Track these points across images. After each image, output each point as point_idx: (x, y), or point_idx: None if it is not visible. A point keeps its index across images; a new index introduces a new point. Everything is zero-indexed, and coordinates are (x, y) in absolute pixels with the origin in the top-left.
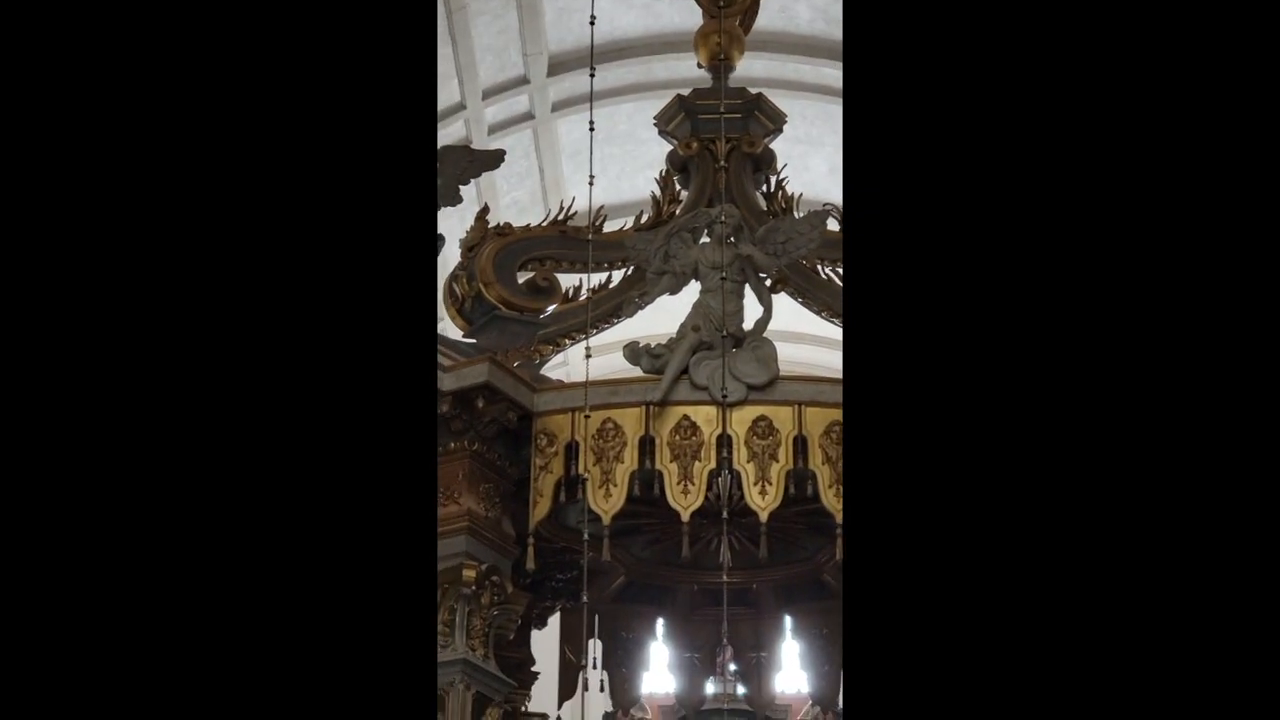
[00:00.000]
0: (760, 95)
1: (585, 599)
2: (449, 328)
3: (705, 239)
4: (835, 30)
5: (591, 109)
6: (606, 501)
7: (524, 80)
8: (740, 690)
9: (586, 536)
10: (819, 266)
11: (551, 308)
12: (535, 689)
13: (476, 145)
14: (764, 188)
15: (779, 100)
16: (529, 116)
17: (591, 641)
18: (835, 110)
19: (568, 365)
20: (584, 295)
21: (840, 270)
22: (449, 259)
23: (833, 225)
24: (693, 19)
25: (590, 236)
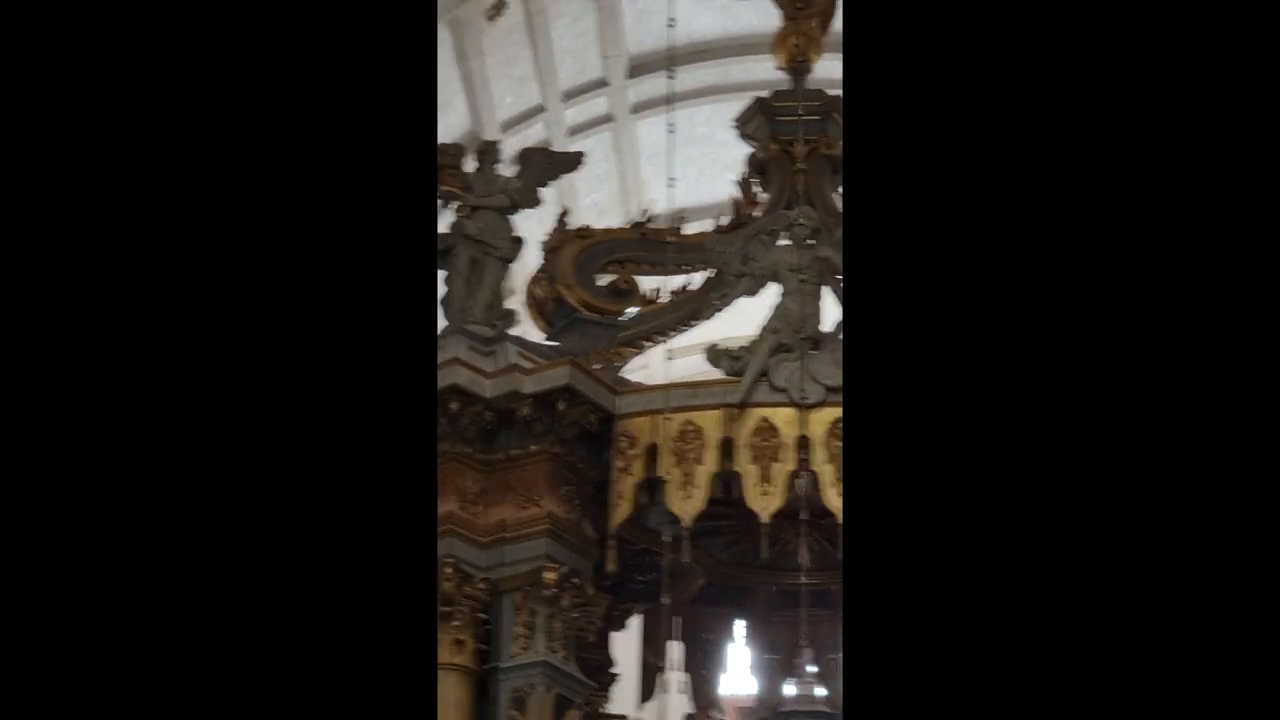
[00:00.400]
0: (839, 97)
1: (665, 601)
2: (530, 330)
3: (784, 241)
4: None
5: (670, 111)
6: (687, 503)
7: (603, 83)
8: (820, 692)
9: (666, 538)
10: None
11: (632, 310)
12: (615, 691)
13: (556, 147)
14: (843, 189)
15: None
16: (608, 119)
17: (671, 643)
18: None
19: (648, 368)
20: (664, 298)
21: None
22: (528, 262)
23: None
24: (771, 21)
25: (670, 239)
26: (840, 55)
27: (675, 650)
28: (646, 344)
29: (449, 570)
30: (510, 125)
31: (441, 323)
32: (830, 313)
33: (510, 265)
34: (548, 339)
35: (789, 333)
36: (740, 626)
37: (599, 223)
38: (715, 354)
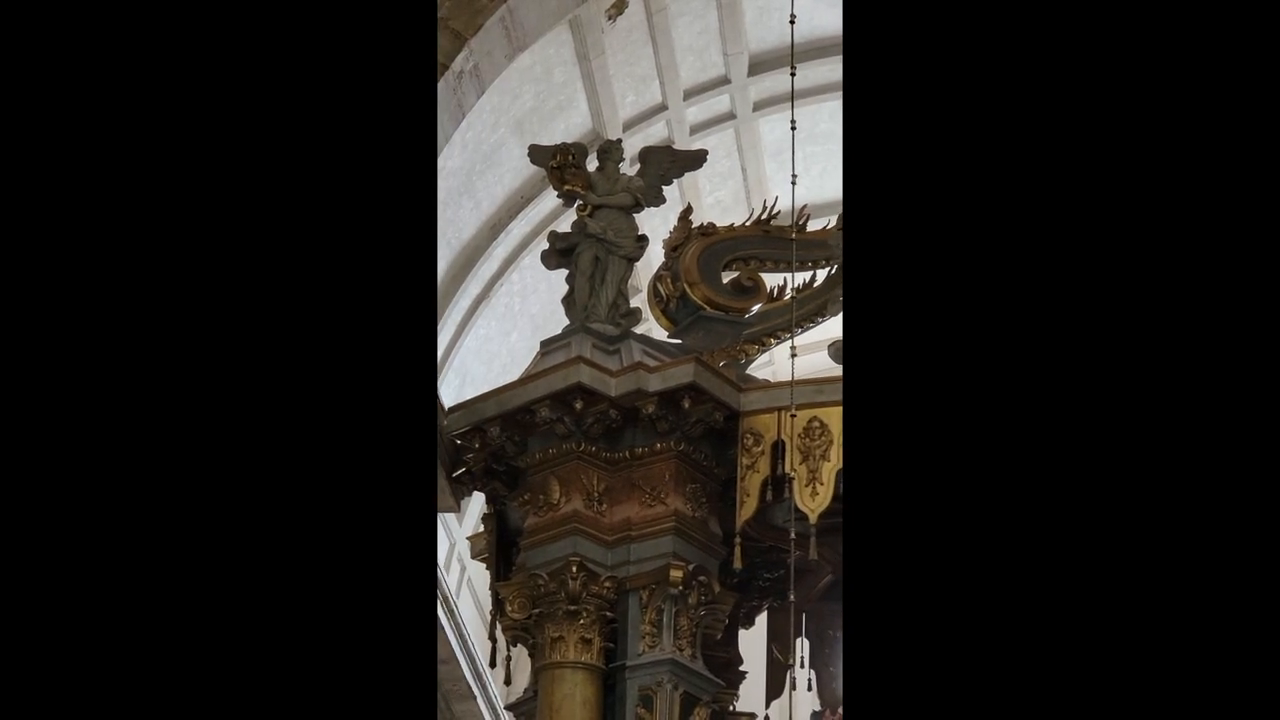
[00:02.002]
0: None
1: (792, 598)
2: (654, 328)
3: None
4: None
5: (793, 108)
6: (813, 500)
7: (725, 80)
8: None
9: (794, 535)
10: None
11: (756, 307)
12: (743, 688)
13: (679, 146)
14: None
15: None
16: (730, 116)
17: (799, 640)
18: None
19: (773, 364)
20: (788, 294)
21: None
22: (653, 259)
23: None
24: None
25: (794, 235)
26: None
27: (802, 647)
28: (771, 341)
29: (575, 569)
30: (632, 124)
31: (565, 321)
32: None
33: (634, 263)
34: (672, 336)
35: None
36: None
37: (722, 220)
38: (840, 350)
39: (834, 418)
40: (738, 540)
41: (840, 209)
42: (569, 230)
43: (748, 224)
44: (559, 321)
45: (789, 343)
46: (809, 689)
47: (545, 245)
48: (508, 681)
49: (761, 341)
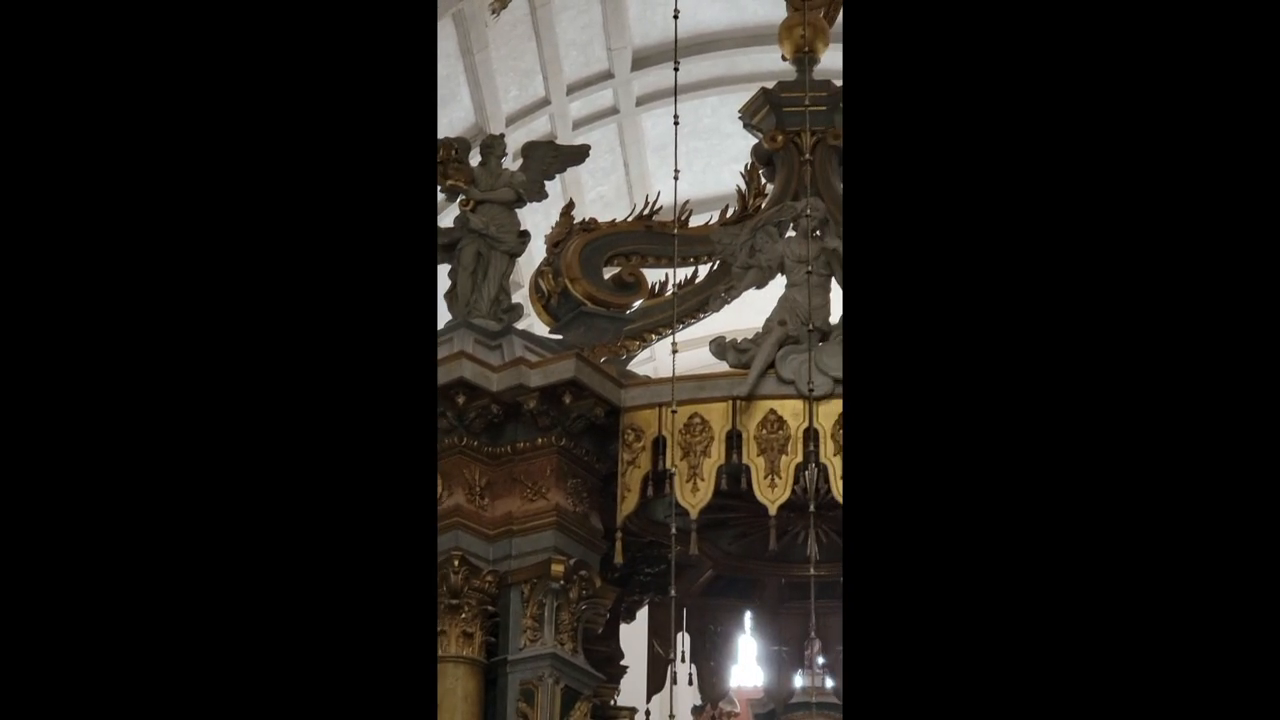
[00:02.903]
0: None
1: (673, 593)
2: (536, 324)
3: (791, 233)
4: None
5: (676, 103)
6: (694, 495)
7: (608, 75)
8: (829, 683)
9: (674, 530)
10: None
11: (637, 303)
12: (624, 683)
13: (561, 140)
14: (843, 185)
15: None
16: (613, 111)
17: (680, 635)
18: None
19: (654, 360)
20: (670, 290)
21: None
22: (534, 255)
23: None
24: (777, 12)
25: (676, 231)
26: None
27: (683, 642)
28: (653, 337)
29: (457, 563)
30: (515, 119)
31: (447, 317)
32: (838, 304)
33: (516, 259)
34: (554, 332)
35: (796, 324)
36: (748, 618)
37: (604, 215)
38: (721, 346)
39: (715, 414)
40: (619, 535)
41: (722, 204)
42: (451, 225)
43: (630, 219)
44: (441, 317)
45: (670, 339)
46: (689, 683)
47: None
48: None
49: (643, 337)
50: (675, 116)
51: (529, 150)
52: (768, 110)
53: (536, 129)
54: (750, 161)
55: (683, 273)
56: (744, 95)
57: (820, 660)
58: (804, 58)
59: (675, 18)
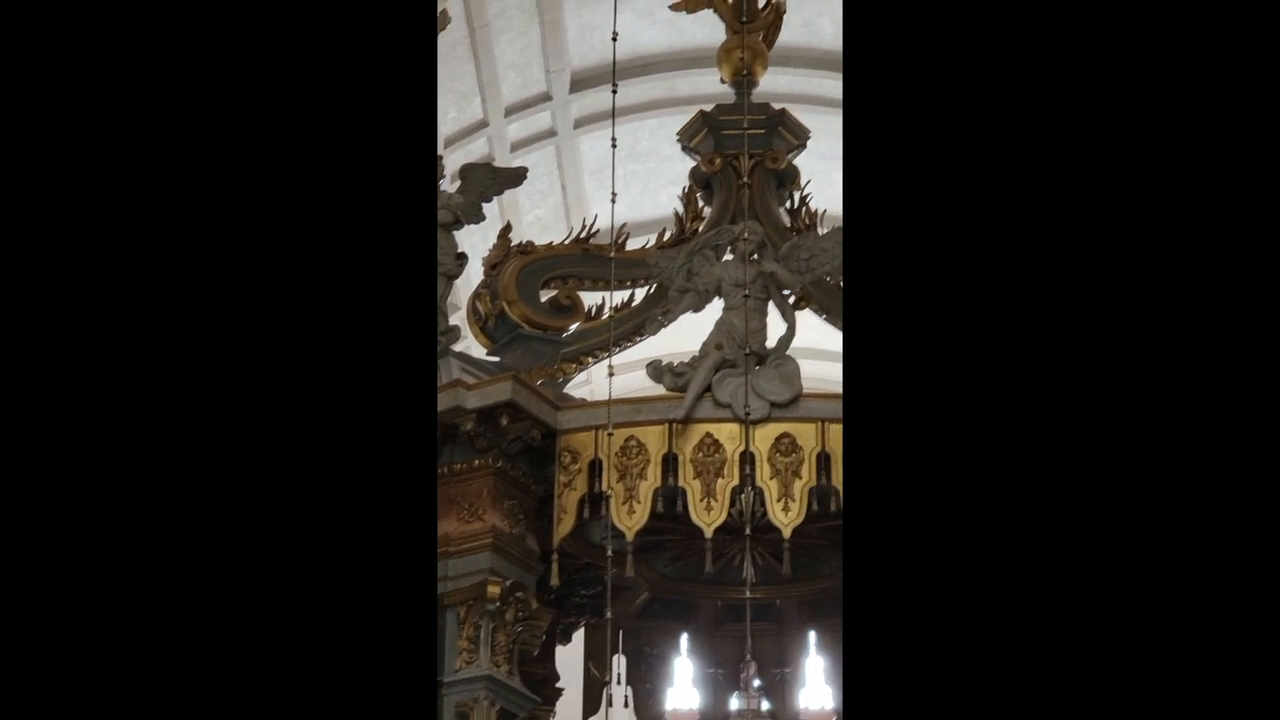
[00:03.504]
0: (784, 111)
1: (609, 615)
2: (473, 346)
3: (728, 256)
4: None
5: (614, 125)
6: (630, 518)
7: (546, 97)
8: (764, 706)
9: (610, 553)
10: (842, 283)
11: (574, 326)
12: (560, 705)
13: (499, 163)
14: (788, 204)
15: (803, 116)
16: (551, 133)
17: (616, 657)
18: None
19: (591, 383)
20: (607, 313)
21: None
22: (471, 277)
23: None
24: (716, 34)
25: (613, 254)
26: (784, 69)
27: (619, 664)
28: (589, 360)
29: None
30: (453, 141)
31: None
32: (775, 328)
33: (453, 281)
34: (490, 354)
35: (733, 348)
36: (684, 640)
37: (542, 238)
38: (658, 369)
39: (651, 436)
40: (555, 557)
41: (659, 227)
42: None
43: (567, 242)
44: None
45: (607, 362)
46: (625, 706)
47: None
48: None
49: (579, 360)
50: (613, 139)
51: (466, 172)
52: (706, 133)
53: (474, 151)
54: (688, 184)
55: (619, 296)
56: (682, 118)
57: (756, 682)
58: (743, 80)
59: (614, 40)
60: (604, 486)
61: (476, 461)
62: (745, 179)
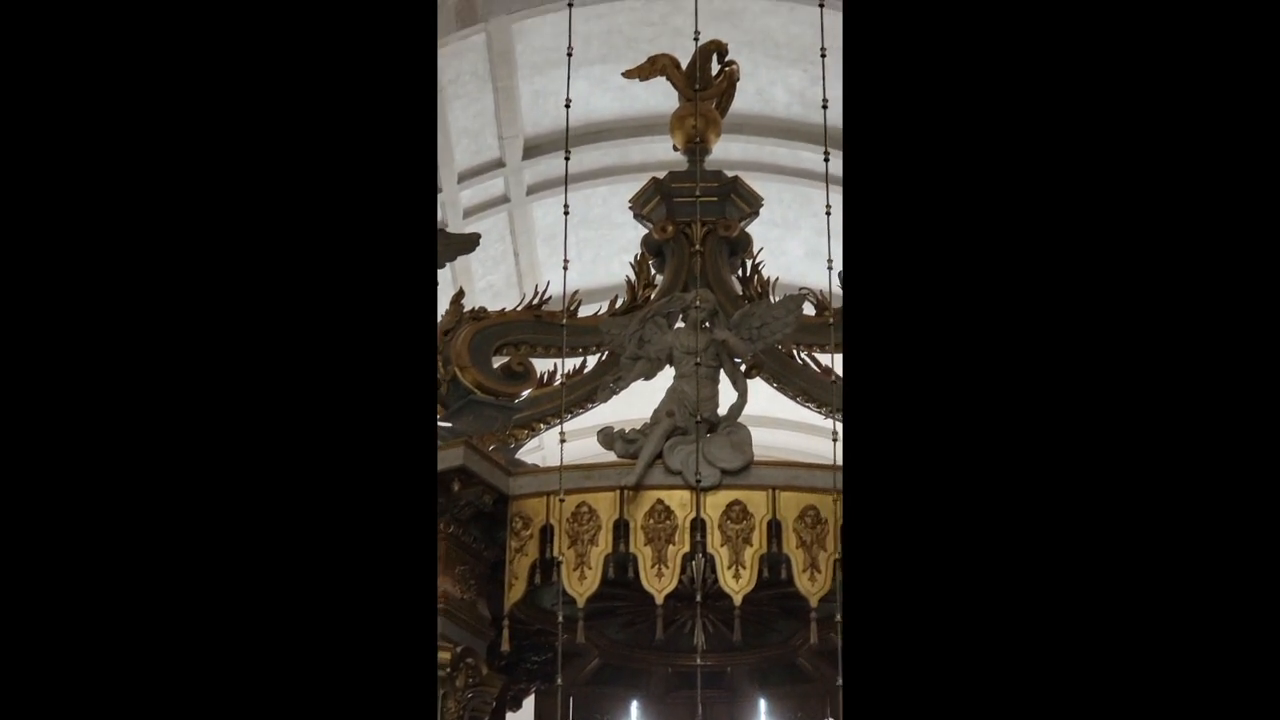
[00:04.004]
0: (736, 178)
1: (560, 681)
2: None
3: (680, 324)
4: (812, 114)
5: (566, 192)
6: (581, 584)
7: (499, 163)
8: None
9: (561, 619)
10: (795, 351)
11: (526, 392)
12: None
13: (452, 229)
14: (740, 272)
15: (756, 183)
16: (504, 200)
17: None
18: (812, 193)
19: (543, 449)
20: (559, 380)
21: (815, 356)
22: None
23: (808, 310)
24: (669, 102)
25: (565, 321)
26: (737, 136)
27: None
28: (541, 426)
29: None
30: None
31: None
32: (726, 396)
33: None
34: (443, 420)
35: (684, 416)
36: (635, 707)
37: (494, 304)
38: (609, 436)
39: (602, 503)
40: (506, 623)
41: (611, 294)
42: None
43: (519, 309)
44: None
45: (558, 428)
46: None
47: None
48: None
49: (531, 426)
50: (565, 206)
51: None
52: (658, 200)
53: None
54: (640, 251)
55: (571, 362)
56: (635, 185)
57: None
58: (696, 148)
59: (567, 107)
60: (555, 552)
61: None
62: (698, 246)
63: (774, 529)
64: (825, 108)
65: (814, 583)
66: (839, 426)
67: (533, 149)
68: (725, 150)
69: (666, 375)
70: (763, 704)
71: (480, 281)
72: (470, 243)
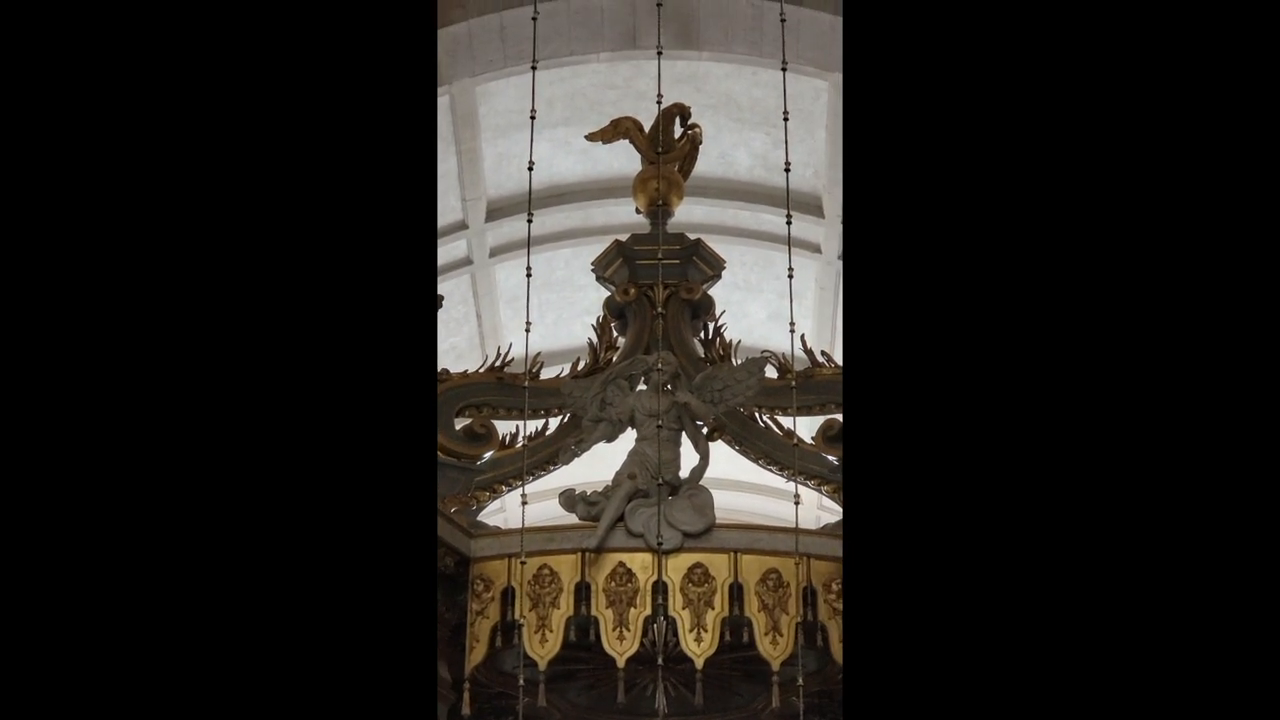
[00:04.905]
0: (699, 241)
1: None
2: None
3: (642, 386)
4: (774, 177)
5: (529, 254)
6: (542, 647)
7: (462, 225)
8: None
9: (522, 682)
10: (756, 414)
11: (488, 454)
12: None
13: None
14: (702, 334)
15: (718, 246)
16: (467, 262)
17: None
18: (774, 256)
19: (504, 512)
20: (520, 442)
21: (777, 419)
22: None
23: (770, 373)
24: (631, 165)
25: (527, 383)
26: (700, 199)
27: None
28: (503, 488)
29: None
30: None
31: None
32: (688, 459)
33: None
34: None
35: (646, 478)
36: None
37: (456, 366)
38: (571, 499)
39: (564, 565)
40: (467, 685)
41: (573, 356)
42: None
43: (481, 371)
44: None
45: (520, 490)
46: None
47: None
48: None
49: (493, 489)
50: (528, 268)
51: None
52: (621, 262)
53: None
54: (602, 314)
55: (533, 425)
56: (597, 247)
57: None
58: (658, 210)
59: (530, 169)
60: (517, 615)
61: None
62: (660, 309)
63: (736, 592)
64: (788, 171)
65: (776, 646)
66: (801, 489)
67: (495, 211)
68: (688, 213)
69: (628, 438)
70: None
71: (443, 344)
72: None
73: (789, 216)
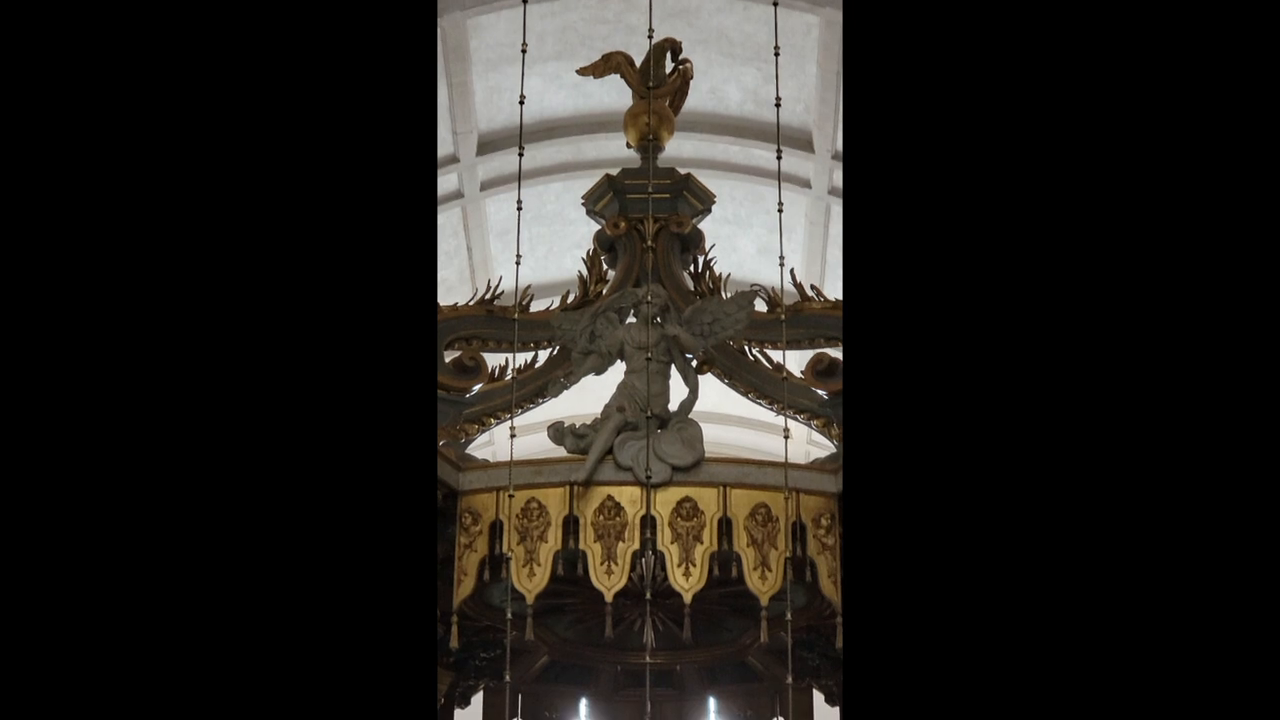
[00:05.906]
0: (689, 175)
1: (508, 678)
2: None
3: (631, 319)
4: (765, 111)
5: (520, 188)
6: (530, 581)
7: (453, 159)
8: None
9: (510, 615)
10: (746, 347)
11: (477, 387)
12: None
13: None
14: (692, 268)
15: (708, 180)
16: (458, 195)
17: None
18: (764, 191)
19: (493, 444)
20: (509, 375)
21: (767, 353)
22: None
23: (760, 306)
24: (622, 99)
25: (516, 316)
26: (690, 134)
27: None
28: (492, 421)
29: None
30: None
31: None
32: (677, 392)
33: None
34: None
35: (635, 411)
36: (584, 705)
37: (447, 299)
38: (559, 432)
39: (552, 499)
40: (454, 619)
41: (563, 290)
42: None
43: (471, 303)
44: None
45: (509, 423)
46: None
47: None
48: None
49: (482, 421)
50: (519, 202)
51: None
52: (611, 197)
53: None
54: (592, 247)
55: (522, 357)
56: (588, 181)
57: None
58: (648, 145)
59: (521, 103)
60: (504, 549)
61: None
62: (650, 243)
63: (724, 526)
64: (778, 106)
65: (764, 581)
66: (790, 423)
67: (487, 145)
68: (678, 148)
69: (617, 370)
70: (712, 702)
71: None
72: None
73: (779, 151)
